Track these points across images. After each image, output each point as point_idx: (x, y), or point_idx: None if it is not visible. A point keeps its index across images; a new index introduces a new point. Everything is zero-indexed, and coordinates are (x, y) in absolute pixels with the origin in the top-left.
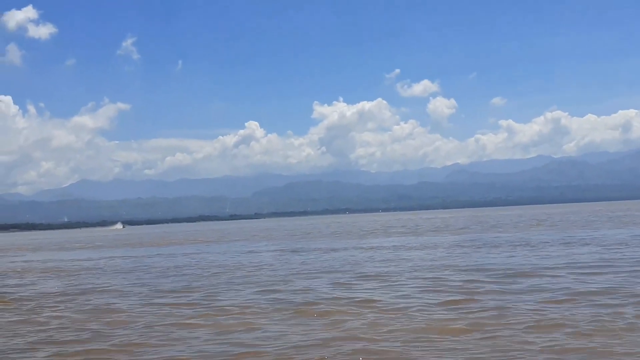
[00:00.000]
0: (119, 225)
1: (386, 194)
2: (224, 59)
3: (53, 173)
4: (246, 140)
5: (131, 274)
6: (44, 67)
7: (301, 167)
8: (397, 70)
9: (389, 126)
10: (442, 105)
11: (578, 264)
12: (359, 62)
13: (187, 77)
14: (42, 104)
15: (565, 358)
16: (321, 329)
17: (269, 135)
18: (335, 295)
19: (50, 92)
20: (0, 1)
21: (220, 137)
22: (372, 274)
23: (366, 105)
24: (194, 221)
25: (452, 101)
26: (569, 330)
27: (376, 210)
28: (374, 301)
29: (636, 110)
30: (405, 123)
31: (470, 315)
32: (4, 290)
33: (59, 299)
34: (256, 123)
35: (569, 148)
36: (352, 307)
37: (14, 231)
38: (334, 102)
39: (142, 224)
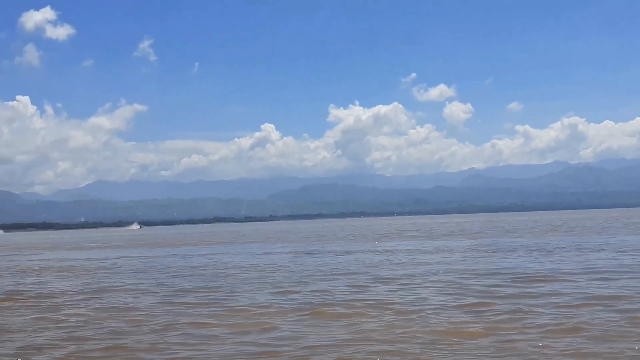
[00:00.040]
0: (136, 226)
1: (401, 198)
2: (241, 62)
3: (70, 173)
4: (262, 142)
5: (147, 273)
6: (62, 68)
7: (317, 170)
8: (414, 75)
9: (405, 130)
10: (458, 110)
11: (595, 269)
12: (375, 65)
13: (203, 79)
14: (59, 105)
15: None
16: (338, 330)
17: (285, 137)
18: (351, 297)
19: (68, 93)
20: (19, 2)
21: (236, 139)
22: (388, 276)
23: (382, 109)
24: (210, 222)
25: (469, 106)
26: (587, 334)
27: (391, 214)
28: (391, 303)
29: None
30: (421, 127)
31: (488, 319)
32: (22, 288)
33: (77, 297)
34: (272, 125)
35: (586, 154)
36: (369, 309)
37: (31, 230)
38: (350, 105)
39: (158, 225)
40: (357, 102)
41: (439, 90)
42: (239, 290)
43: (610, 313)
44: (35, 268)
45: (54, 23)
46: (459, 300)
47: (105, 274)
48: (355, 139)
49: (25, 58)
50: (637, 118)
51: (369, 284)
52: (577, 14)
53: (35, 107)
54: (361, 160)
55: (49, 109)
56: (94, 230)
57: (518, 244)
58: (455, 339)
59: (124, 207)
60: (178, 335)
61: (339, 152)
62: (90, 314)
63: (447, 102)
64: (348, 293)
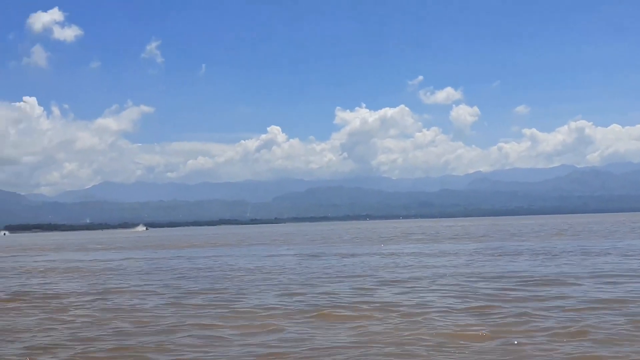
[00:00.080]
0: (142, 228)
1: (407, 201)
2: (248, 64)
3: (76, 174)
4: (268, 144)
5: (153, 275)
6: (69, 69)
7: (322, 172)
8: (421, 77)
9: (411, 133)
10: (465, 113)
11: (601, 273)
12: (382, 68)
13: (210, 81)
14: (66, 106)
15: None
16: (345, 332)
17: (291, 140)
18: (357, 300)
19: (75, 94)
20: (27, 3)
21: (242, 141)
22: (394, 279)
23: (389, 111)
24: (215, 225)
25: (475, 109)
26: (593, 338)
27: (397, 217)
28: (397, 306)
29: None
30: (428, 130)
31: (494, 322)
32: (29, 289)
33: (83, 298)
34: (278, 128)
35: (593, 158)
36: (375, 312)
37: (36, 231)
38: (357, 107)
39: (163, 227)
40: (364, 105)
41: (445, 93)
42: (245, 292)
43: (616, 317)
44: (41, 269)
45: (62, 24)
46: (465, 303)
47: (112, 275)
48: (362, 141)
49: (32, 59)
50: None
51: (374, 287)
52: (585, 17)
53: (42, 108)
54: (367, 163)
55: (55, 110)
56: (99, 231)
57: (524, 248)
58: (462, 342)
59: (130, 209)
60: (184, 336)
61: (345, 154)
62: (97, 314)
63: (453, 105)
64: (354, 295)
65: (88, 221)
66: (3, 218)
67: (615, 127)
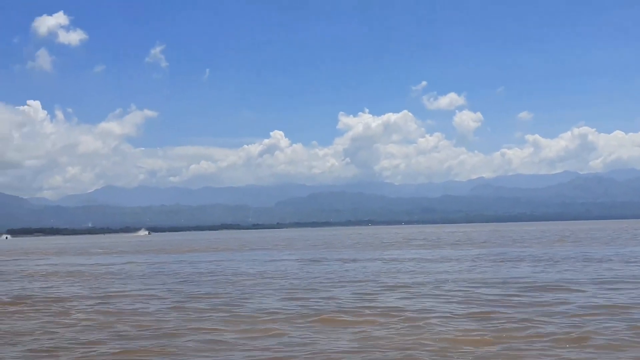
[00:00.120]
0: (145, 232)
1: (410, 207)
2: (252, 68)
3: (79, 178)
4: (271, 149)
5: (156, 279)
6: (73, 73)
7: (325, 177)
8: (424, 83)
9: (414, 138)
10: (468, 119)
11: (603, 280)
12: (385, 73)
13: (214, 85)
14: (70, 110)
15: None
16: (347, 337)
17: (294, 145)
18: (360, 305)
19: (79, 98)
20: (32, 7)
21: (245, 146)
22: (396, 285)
23: (392, 117)
24: (217, 229)
25: (479, 115)
26: (594, 344)
27: (399, 222)
28: (399, 311)
29: None
30: (431, 136)
31: (496, 328)
32: (31, 292)
33: (86, 302)
34: (281, 133)
35: (596, 164)
36: (377, 317)
37: (38, 235)
38: (360, 113)
39: (165, 231)
40: (367, 110)
41: (449, 99)
42: (248, 297)
43: (618, 323)
44: (43, 273)
45: (67, 28)
46: (467, 308)
47: (114, 279)
48: (364, 146)
49: (37, 63)
50: None
51: (377, 292)
52: (590, 24)
53: (45, 112)
54: (370, 168)
55: (59, 113)
56: (101, 235)
57: (526, 254)
58: (464, 347)
59: (132, 213)
60: (187, 340)
61: (348, 159)
62: (99, 318)
63: (457, 111)
64: (356, 300)
65: (90, 225)
66: (5, 222)
67: (618, 133)
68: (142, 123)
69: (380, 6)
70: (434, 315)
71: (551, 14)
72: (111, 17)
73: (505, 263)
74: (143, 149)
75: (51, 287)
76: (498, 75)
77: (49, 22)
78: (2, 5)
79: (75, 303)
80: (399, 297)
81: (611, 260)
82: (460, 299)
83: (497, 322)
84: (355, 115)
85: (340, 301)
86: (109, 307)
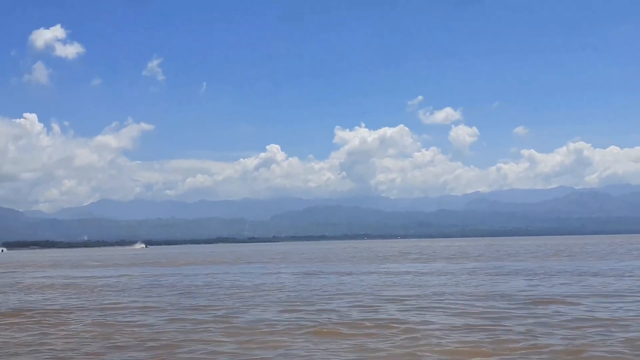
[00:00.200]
0: (141, 245)
1: (405, 221)
2: (248, 82)
3: (74, 192)
4: (267, 163)
5: (153, 291)
6: (70, 86)
7: (321, 191)
8: (420, 97)
9: (410, 153)
10: (463, 133)
11: (596, 293)
12: (382, 88)
13: (211, 99)
14: (66, 123)
15: None
16: (346, 349)
17: (290, 158)
18: (357, 317)
19: (75, 111)
20: (29, 20)
21: (242, 159)
22: (393, 297)
23: (388, 131)
24: (213, 243)
25: (474, 129)
26: (594, 356)
27: (395, 236)
28: (397, 324)
29: None
30: (427, 150)
31: (495, 340)
32: (28, 305)
33: (83, 314)
34: (277, 146)
35: (591, 179)
36: (376, 329)
37: (33, 248)
38: (356, 127)
39: (161, 244)
40: (363, 124)
41: (445, 114)
42: (246, 309)
43: (613, 335)
44: (40, 285)
45: (64, 41)
46: (465, 321)
47: (111, 292)
48: (360, 160)
49: (34, 76)
50: None
51: (374, 304)
52: (586, 40)
53: (42, 125)
54: (366, 182)
55: (55, 126)
56: (96, 249)
57: (522, 268)
58: (462, 359)
59: (128, 226)
60: (185, 351)
61: (344, 173)
62: (97, 330)
63: (452, 126)
64: (353, 312)
65: (86, 238)
66: (1, 235)
67: (613, 148)
68: (139, 136)
69: (377, 21)
70: (432, 327)
71: (547, 30)
72: (108, 30)
73: (501, 276)
74: (139, 162)
75: (48, 299)
76: (494, 90)
77: (46, 36)
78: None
79: (73, 315)
80: (397, 309)
81: (606, 274)
82: (458, 311)
83: (495, 334)
84: (351, 129)
85: (338, 313)
86: (107, 319)
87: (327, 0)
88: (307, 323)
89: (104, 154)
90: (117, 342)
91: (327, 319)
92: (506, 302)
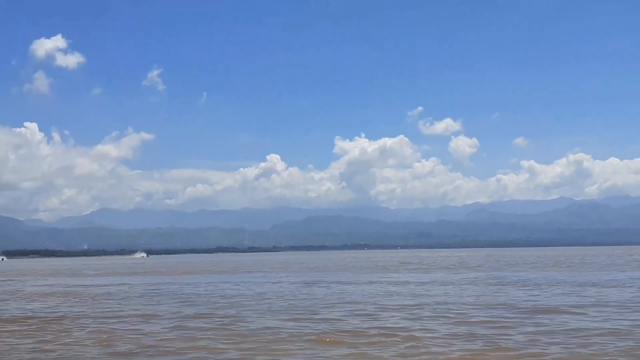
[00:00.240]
0: (142, 254)
1: (405, 231)
2: (248, 92)
3: (74, 201)
4: (267, 173)
5: (155, 299)
6: (71, 96)
7: (321, 201)
8: (420, 108)
9: (410, 163)
10: (463, 144)
11: (598, 303)
12: (382, 98)
13: (211, 109)
14: (67, 132)
15: None
16: (348, 357)
17: (290, 168)
18: (359, 326)
19: (76, 120)
20: (30, 30)
21: (242, 169)
22: (394, 306)
23: (388, 141)
24: (213, 252)
25: (474, 140)
26: None
27: (395, 247)
28: (399, 332)
29: None
30: (427, 160)
31: (498, 347)
32: (29, 313)
33: (85, 321)
34: (277, 156)
35: (591, 191)
36: (376, 337)
37: (33, 257)
38: (356, 137)
39: (160, 254)
40: (363, 135)
41: (445, 124)
42: (248, 317)
43: (614, 344)
44: (41, 293)
45: (65, 51)
46: (467, 330)
47: (112, 300)
48: (360, 171)
49: (34, 85)
50: None
51: (375, 313)
52: (585, 51)
53: (42, 134)
54: (366, 193)
55: (56, 136)
56: (96, 258)
57: (522, 278)
58: None
59: (128, 236)
60: (188, 359)
61: (344, 183)
62: (101, 337)
63: (452, 136)
64: (354, 321)
65: (85, 247)
66: (1, 243)
67: (613, 160)
68: (139, 146)
69: (377, 32)
70: (434, 335)
71: (547, 41)
72: (109, 40)
73: (502, 286)
74: (139, 171)
75: (49, 307)
76: (494, 101)
77: (47, 45)
78: (0, 28)
79: (74, 322)
80: (399, 318)
81: (605, 285)
82: (459, 320)
83: (497, 343)
84: (351, 139)
85: (340, 322)
86: (109, 327)
87: (327, 11)
88: (310, 331)
89: (104, 163)
90: (118, 350)
91: (330, 327)
92: (507, 312)
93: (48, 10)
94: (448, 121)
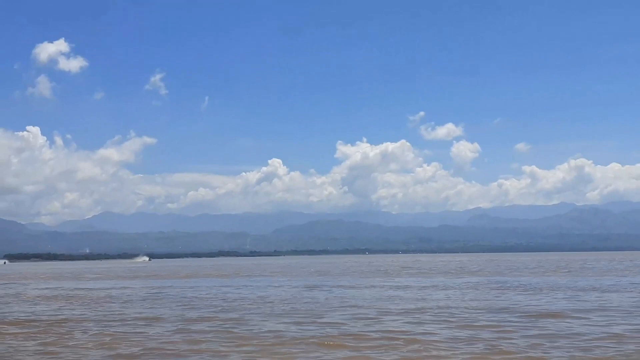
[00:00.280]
0: (145, 258)
1: (407, 236)
2: (250, 97)
3: (77, 204)
4: (269, 177)
5: (158, 302)
6: (73, 100)
7: (322, 206)
8: (422, 113)
9: (412, 168)
10: (465, 149)
11: (599, 308)
12: (383, 103)
13: (213, 113)
14: (69, 136)
15: None
16: (351, 359)
17: (292, 173)
18: (360, 329)
19: (78, 124)
20: (33, 34)
21: (243, 173)
22: (396, 310)
23: (389, 146)
24: (214, 256)
25: (476, 145)
26: None
27: (396, 251)
28: (401, 335)
29: None
30: (428, 165)
31: (500, 351)
32: (32, 316)
33: (88, 324)
34: (279, 160)
35: (592, 196)
36: (378, 340)
37: (35, 261)
38: (358, 142)
39: (162, 258)
40: (365, 139)
41: (446, 129)
42: (250, 320)
43: (616, 348)
44: (43, 296)
45: (67, 55)
46: (468, 333)
47: (115, 303)
48: (362, 175)
49: (37, 89)
50: None
51: (376, 316)
52: (587, 56)
53: (45, 138)
54: (367, 197)
55: (58, 139)
56: (98, 261)
57: (524, 283)
58: None
59: (129, 240)
60: None
61: (345, 188)
62: (104, 339)
63: (454, 141)
64: (357, 324)
65: (87, 251)
66: (3, 247)
67: (614, 165)
68: (141, 150)
69: (379, 37)
70: (436, 338)
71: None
72: (111, 44)
73: (504, 291)
74: (141, 175)
75: (52, 310)
76: (495, 106)
77: (49, 49)
78: (4, 32)
79: (77, 325)
80: (401, 321)
81: (606, 290)
82: (461, 324)
83: (498, 346)
84: (353, 144)
85: (342, 325)
86: (112, 330)
87: (329, 15)
88: (312, 334)
89: (107, 167)
90: (121, 352)
91: (332, 330)
92: (509, 316)
93: (51, 14)
94: (450, 126)
